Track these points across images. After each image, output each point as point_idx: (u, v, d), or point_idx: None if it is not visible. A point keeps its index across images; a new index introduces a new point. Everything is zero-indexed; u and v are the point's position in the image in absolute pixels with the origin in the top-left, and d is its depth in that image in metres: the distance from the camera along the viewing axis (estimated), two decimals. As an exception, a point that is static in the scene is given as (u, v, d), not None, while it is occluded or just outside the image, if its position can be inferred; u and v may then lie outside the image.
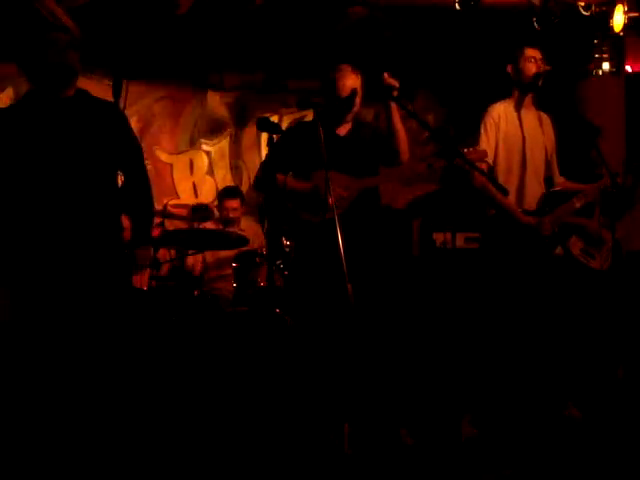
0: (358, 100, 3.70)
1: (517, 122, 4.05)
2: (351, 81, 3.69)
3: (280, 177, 3.62)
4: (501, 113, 4.03)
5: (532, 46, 4.06)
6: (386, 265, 3.75)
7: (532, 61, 4.00)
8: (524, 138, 4.04)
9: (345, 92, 3.67)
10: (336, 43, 5.88)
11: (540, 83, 4.01)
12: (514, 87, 4.08)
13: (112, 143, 3.26)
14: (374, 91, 3.64)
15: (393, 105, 3.60)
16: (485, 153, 3.79)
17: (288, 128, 3.90)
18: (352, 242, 3.52)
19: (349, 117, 3.77)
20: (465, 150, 3.71)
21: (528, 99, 4.09)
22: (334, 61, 3.78)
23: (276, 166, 3.67)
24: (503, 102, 4.09)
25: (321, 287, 3.65)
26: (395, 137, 3.66)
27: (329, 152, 3.49)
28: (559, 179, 4.21)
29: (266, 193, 4.03)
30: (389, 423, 3.66)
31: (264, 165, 3.83)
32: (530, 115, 4.11)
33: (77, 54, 3.20)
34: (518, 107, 4.07)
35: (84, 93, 3.30)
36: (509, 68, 4.07)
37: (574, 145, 4.75)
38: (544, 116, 4.19)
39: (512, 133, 4.02)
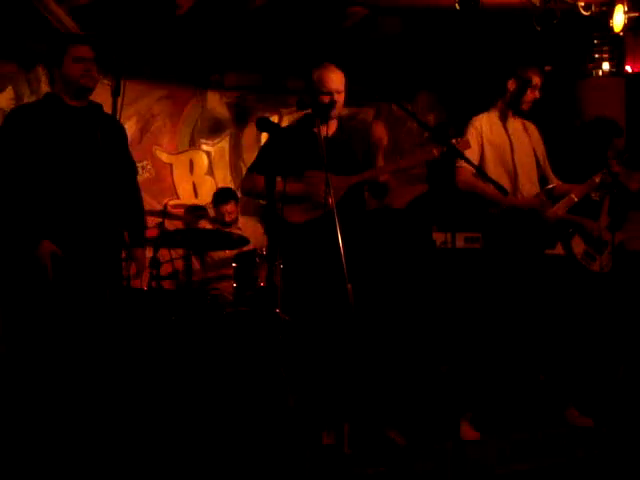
0: (342, 100, 3.69)
1: (502, 130, 4.11)
2: (337, 80, 3.67)
3: (280, 183, 3.60)
4: (484, 123, 4.08)
5: (538, 73, 4.09)
6: (376, 264, 3.74)
7: (536, 90, 4.07)
8: (511, 143, 4.09)
9: (325, 99, 3.65)
10: (334, 44, 5.89)
11: (527, 108, 4.08)
12: (501, 99, 4.13)
13: (114, 155, 3.37)
14: (374, 91, 3.65)
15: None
16: (468, 143, 3.79)
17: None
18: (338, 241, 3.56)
19: (334, 117, 3.75)
20: (453, 141, 3.73)
21: (510, 111, 4.14)
22: (319, 60, 3.77)
23: (266, 169, 3.65)
24: (486, 113, 4.14)
25: (308, 287, 3.66)
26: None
27: (315, 152, 3.51)
28: (555, 182, 4.21)
29: (254, 198, 4.02)
30: (386, 423, 3.67)
31: (252, 169, 3.82)
32: (515, 123, 4.17)
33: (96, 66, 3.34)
34: (503, 117, 4.13)
35: (95, 105, 3.41)
36: (510, 84, 4.08)
37: (576, 144, 4.74)
38: (529, 124, 4.24)
39: (499, 140, 4.07)
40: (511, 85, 4.08)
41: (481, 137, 4.04)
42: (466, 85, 6.65)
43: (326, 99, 3.65)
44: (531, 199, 4.02)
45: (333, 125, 3.79)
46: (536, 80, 4.08)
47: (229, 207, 5.51)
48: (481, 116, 4.12)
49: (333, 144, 3.71)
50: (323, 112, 3.67)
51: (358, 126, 3.79)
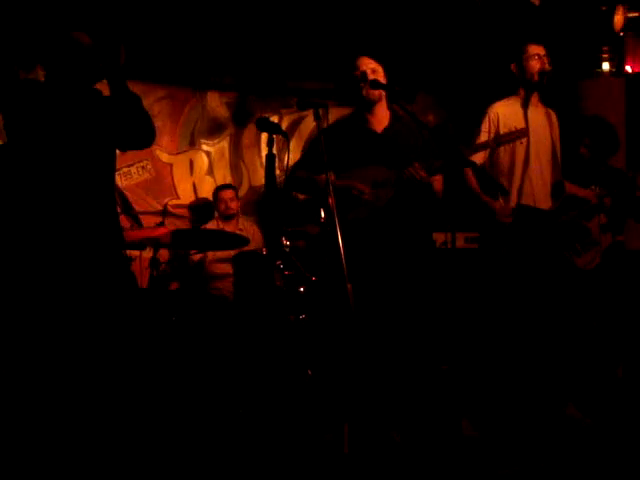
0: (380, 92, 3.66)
1: (522, 118, 3.97)
2: (369, 61, 3.67)
3: (322, 177, 3.56)
4: (501, 112, 3.98)
5: (535, 43, 4.01)
6: (376, 264, 3.70)
7: (536, 58, 3.96)
8: (529, 137, 3.96)
9: (364, 69, 3.63)
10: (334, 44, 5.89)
11: (545, 81, 3.97)
12: (520, 85, 4.03)
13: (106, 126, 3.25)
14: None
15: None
16: (524, 131, 3.77)
17: (327, 127, 3.83)
18: (393, 235, 3.60)
19: (382, 109, 3.72)
20: (507, 131, 3.80)
21: (535, 97, 4.04)
22: (352, 55, 3.76)
23: (311, 166, 3.66)
24: (507, 100, 4.04)
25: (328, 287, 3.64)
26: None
27: (367, 149, 3.55)
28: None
29: (301, 192, 3.97)
30: (386, 423, 3.66)
31: (298, 165, 3.80)
32: (538, 112, 4.05)
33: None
34: (525, 105, 4.00)
35: (96, 92, 3.31)
36: (513, 67, 4.02)
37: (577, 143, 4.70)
38: (552, 113, 4.13)
39: (516, 129, 3.94)
40: (514, 67, 4.01)
41: (496, 128, 3.94)
42: (466, 85, 6.65)
43: (359, 75, 3.63)
44: (496, 204, 3.94)
45: (385, 120, 3.73)
46: (533, 49, 3.97)
47: (228, 193, 5.58)
48: (500, 103, 4.01)
49: (384, 139, 3.68)
50: (365, 99, 3.65)
51: (411, 123, 3.74)
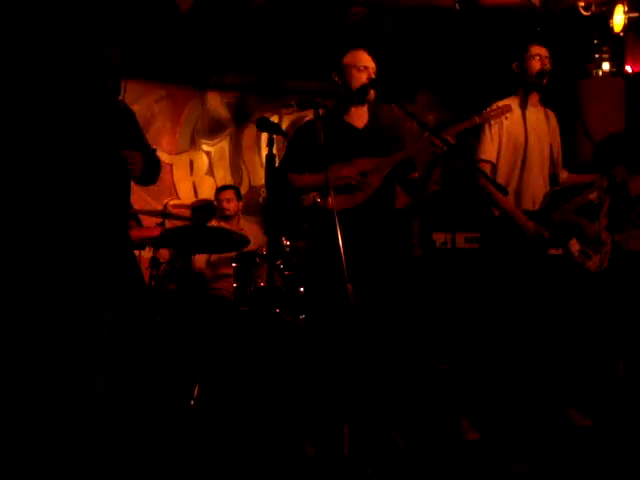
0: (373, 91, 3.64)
1: (521, 121, 3.99)
2: (369, 59, 3.65)
3: (290, 176, 3.58)
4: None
5: (538, 44, 4.02)
6: (375, 263, 3.70)
7: (537, 59, 3.97)
8: (527, 137, 3.99)
9: (363, 76, 3.61)
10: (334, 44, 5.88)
11: (545, 81, 3.97)
12: (519, 85, 4.04)
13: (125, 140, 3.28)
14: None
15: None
16: (509, 107, 3.74)
17: (299, 127, 3.83)
18: (379, 227, 3.63)
19: (366, 106, 3.71)
20: (488, 109, 3.73)
21: (534, 97, 4.05)
22: (346, 47, 3.72)
23: (291, 166, 3.63)
24: (507, 100, 4.00)
25: (319, 284, 3.63)
26: None
27: (348, 145, 3.53)
28: (563, 173, 4.18)
29: (283, 196, 3.86)
30: (386, 424, 3.66)
31: (282, 168, 3.70)
32: (536, 113, 4.06)
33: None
34: (523, 105, 4.02)
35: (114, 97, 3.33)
36: (514, 66, 4.03)
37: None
38: (550, 113, 4.14)
39: (516, 132, 3.97)
40: (515, 66, 4.02)
41: (501, 126, 3.94)
42: (467, 85, 6.65)
43: (363, 76, 3.61)
44: (529, 224, 3.93)
45: (364, 116, 3.73)
46: (535, 50, 3.98)
47: (227, 194, 5.59)
48: (502, 102, 3.97)
49: (365, 135, 3.68)
50: (359, 94, 3.63)
51: (388, 120, 3.70)
